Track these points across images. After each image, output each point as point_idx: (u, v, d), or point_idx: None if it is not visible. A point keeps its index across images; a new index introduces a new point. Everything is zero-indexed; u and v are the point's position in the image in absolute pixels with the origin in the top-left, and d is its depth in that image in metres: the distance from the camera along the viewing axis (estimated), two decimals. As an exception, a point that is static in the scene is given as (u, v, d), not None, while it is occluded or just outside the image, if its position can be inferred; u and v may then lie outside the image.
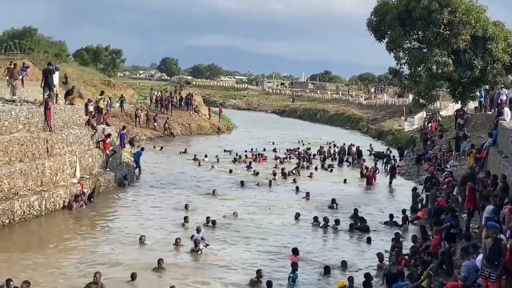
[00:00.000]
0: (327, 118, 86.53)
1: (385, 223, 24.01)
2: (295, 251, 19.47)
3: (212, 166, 37.60)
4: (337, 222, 23.44)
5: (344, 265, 18.26)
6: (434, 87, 44.43)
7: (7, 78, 29.74)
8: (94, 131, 29.14)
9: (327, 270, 17.85)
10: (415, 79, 36.23)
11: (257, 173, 34.77)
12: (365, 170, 35.99)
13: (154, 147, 44.84)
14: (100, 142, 29.28)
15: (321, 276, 17.60)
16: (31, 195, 22.18)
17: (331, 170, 39.58)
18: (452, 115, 48.40)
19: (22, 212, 21.35)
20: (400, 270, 16.25)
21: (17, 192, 21.77)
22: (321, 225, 23.47)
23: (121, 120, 48.36)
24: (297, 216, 24.67)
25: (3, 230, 20.13)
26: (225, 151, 45.78)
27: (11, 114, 23.15)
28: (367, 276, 16.13)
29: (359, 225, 23.26)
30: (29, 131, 23.96)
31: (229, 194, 29.11)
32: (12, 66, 30.43)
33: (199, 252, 18.60)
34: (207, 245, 19.12)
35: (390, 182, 34.31)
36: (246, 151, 45.41)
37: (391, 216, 24.36)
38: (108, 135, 30.03)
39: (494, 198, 17.99)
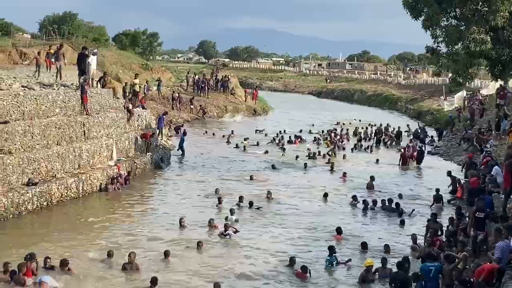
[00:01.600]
0: (365, 98, 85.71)
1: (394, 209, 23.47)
2: (338, 231, 19.58)
3: (243, 147, 37.63)
4: (374, 203, 23.28)
5: (386, 249, 18.07)
6: (472, 66, 43.18)
7: (53, 60, 29.73)
8: (130, 114, 29.36)
9: (364, 246, 18.02)
10: (452, 57, 35.31)
11: (297, 157, 34.57)
12: (402, 150, 35.51)
13: (205, 132, 44.75)
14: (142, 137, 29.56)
15: (358, 254, 17.65)
16: (69, 178, 22.57)
17: (371, 151, 39.25)
18: (493, 94, 47.36)
19: (60, 195, 21.75)
20: (436, 252, 16.06)
21: (55, 175, 22.19)
22: (358, 205, 23.41)
23: (158, 103, 48.73)
24: (325, 196, 24.60)
25: (42, 212, 20.55)
26: (256, 131, 45.81)
27: (48, 98, 23.54)
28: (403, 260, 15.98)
29: (392, 207, 23.03)
30: (66, 114, 24.33)
31: (264, 176, 29.03)
32: (58, 47, 30.37)
33: (228, 236, 18.61)
34: (236, 231, 19.07)
35: (419, 162, 33.80)
36: (280, 131, 45.33)
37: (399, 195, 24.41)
38: (152, 134, 30.38)
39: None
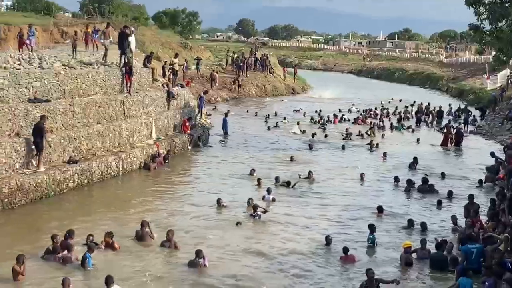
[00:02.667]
0: (406, 77, 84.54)
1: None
2: (379, 209, 19.51)
3: (280, 127, 37.42)
4: (412, 183, 23.01)
5: (423, 227, 17.88)
6: (517, 43, 42.24)
7: (102, 39, 29.86)
8: (170, 98, 29.49)
9: (410, 223, 18.02)
10: (496, 35, 34.40)
11: (326, 135, 34.25)
12: (445, 130, 34.85)
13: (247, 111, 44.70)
14: (181, 126, 29.55)
15: (400, 232, 17.55)
16: (109, 156, 22.84)
17: (413, 131, 38.73)
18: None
19: (100, 172, 22.03)
20: (476, 233, 15.82)
21: (95, 153, 22.48)
22: (400, 185, 23.19)
23: (197, 82, 48.82)
24: (362, 176, 24.34)
25: (83, 190, 20.87)
26: (294, 111, 45.62)
27: (89, 77, 23.76)
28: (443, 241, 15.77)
29: (433, 188, 22.70)
30: (106, 93, 24.55)
31: (303, 156, 28.85)
32: (105, 26, 30.16)
33: (257, 217, 18.53)
34: (266, 211, 18.91)
35: (458, 144, 33.17)
36: (317, 110, 45.11)
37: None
38: (189, 119, 30.27)
39: None
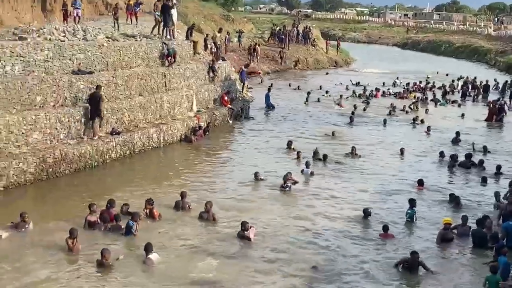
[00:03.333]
0: (452, 50, 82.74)
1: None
2: (420, 182, 19.44)
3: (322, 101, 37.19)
4: (453, 157, 22.71)
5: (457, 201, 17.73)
6: None
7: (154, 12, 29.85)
8: (214, 74, 29.62)
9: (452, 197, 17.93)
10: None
11: (391, 110, 33.94)
12: (490, 105, 34.12)
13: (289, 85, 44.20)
14: (220, 99, 29.56)
15: (440, 208, 17.46)
16: (150, 128, 23.14)
17: (459, 105, 38.07)
18: None
19: (142, 144, 22.36)
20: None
21: (137, 125, 22.80)
22: (444, 160, 22.93)
23: (238, 54, 48.80)
24: (402, 151, 24.09)
25: (125, 161, 21.25)
26: (336, 84, 45.26)
27: (131, 50, 23.99)
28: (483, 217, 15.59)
29: (476, 163, 22.37)
30: (148, 65, 24.77)
31: (344, 131, 28.64)
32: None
33: (287, 189, 18.56)
34: (296, 182, 18.94)
35: (501, 120, 32.46)
36: (357, 83, 44.68)
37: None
38: (228, 92, 30.32)
39: None
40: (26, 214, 14.29)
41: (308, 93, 38.69)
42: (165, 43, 25.90)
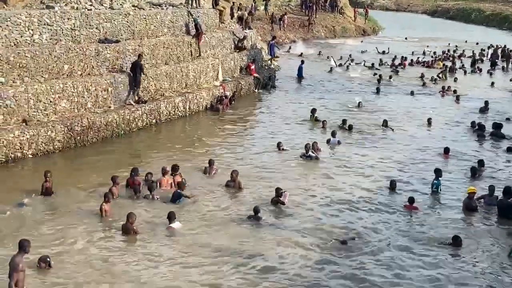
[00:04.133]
0: (483, 18, 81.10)
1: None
2: (446, 150, 19.45)
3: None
4: (481, 127, 22.50)
5: (473, 172, 17.61)
6: None
7: None
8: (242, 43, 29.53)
9: (481, 163, 18.06)
10: None
11: (390, 77, 33.45)
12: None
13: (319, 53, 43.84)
14: (246, 68, 29.44)
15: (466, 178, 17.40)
16: (176, 97, 23.23)
17: (490, 74, 37.49)
18: None
19: (168, 113, 22.49)
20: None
21: (163, 94, 22.91)
22: (475, 130, 22.79)
23: (265, 23, 48.43)
24: (429, 121, 23.85)
25: (151, 130, 21.43)
26: (378, 53, 44.77)
27: (157, 18, 23.95)
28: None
29: (497, 132, 22.18)
30: (173, 34, 24.75)
31: (374, 101, 28.33)
32: None
33: (310, 158, 18.52)
34: (318, 151, 18.98)
35: None
36: (383, 52, 44.15)
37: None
38: (253, 61, 30.10)
39: None
40: (49, 172, 14.53)
41: (339, 62, 38.29)
42: (190, 14, 25.68)
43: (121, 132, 20.10)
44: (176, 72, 23.73)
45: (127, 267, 11.34)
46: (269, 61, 34.08)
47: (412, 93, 30.23)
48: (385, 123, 23.02)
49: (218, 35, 27.95)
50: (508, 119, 24.63)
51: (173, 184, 15.44)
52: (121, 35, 21.89)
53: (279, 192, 14.72)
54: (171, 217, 13.10)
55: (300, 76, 33.90)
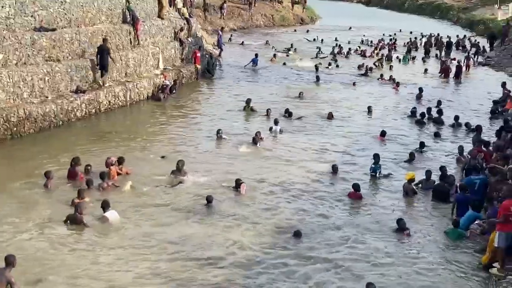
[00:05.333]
0: (416, 7, 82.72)
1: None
2: (382, 133, 20.07)
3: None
4: (422, 115, 23.11)
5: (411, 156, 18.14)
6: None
7: None
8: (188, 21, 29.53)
9: (422, 145, 18.85)
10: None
11: (329, 64, 33.93)
12: (446, 64, 34.45)
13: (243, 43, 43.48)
14: (192, 56, 29.28)
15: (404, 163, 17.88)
16: (116, 86, 22.87)
17: (424, 61, 38.42)
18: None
19: (108, 102, 22.12)
20: (480, 164, 15.91)
21: (103, 83, 22.51)
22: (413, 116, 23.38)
23: (201, 10, 47.95)
24: (369, 109, 24.21)
25: (91, 120, 21.03)
26: (308, 41, 45.10)
27: (94, 6, 23.42)
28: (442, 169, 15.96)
29: (436, 118, 22.88)
30: (112, 22, 24.30)
31: (312, 91, 28.38)
32: None
33: (258, 144, 18.75)
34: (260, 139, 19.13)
35: (457, 76, 32.72)
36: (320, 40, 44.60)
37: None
38: (199, 48, 29.88)
39: None
40: None
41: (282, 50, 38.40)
42: (128, 1, 25.14)
43: (59, 123, 19.64)
44: (115, 61, 23.29)
45: (67, 257, 11.20)
46: (219, 55, 34.03)
47: (353, 83, 30.17)
48: (330, 115, 23.02)
49: (158, 23, 27.62)
50: (439, 102, 25.32)
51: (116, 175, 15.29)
52: (58, 23, 21.30)
53: (238, 182, 14.82)
54: (105, 206, 12.87)
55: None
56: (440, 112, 23.32)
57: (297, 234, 12.54)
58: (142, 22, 25.52)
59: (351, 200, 14.93)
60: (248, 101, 23.57)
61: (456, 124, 22.11)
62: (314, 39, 46.19)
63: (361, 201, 14.85)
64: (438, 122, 22.62)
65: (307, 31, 52.77)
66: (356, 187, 15.11)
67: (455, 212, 13.95)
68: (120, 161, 15.69)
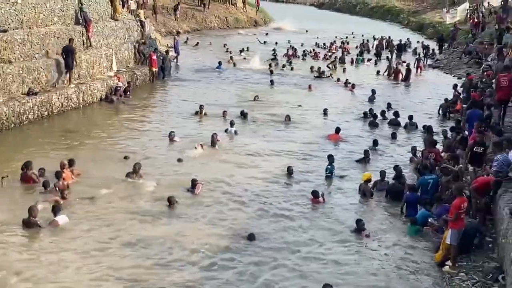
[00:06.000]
0: (367, 10, 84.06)
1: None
2: (337, 130, 20.48)
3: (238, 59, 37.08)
4: (374, 116, 23.50)
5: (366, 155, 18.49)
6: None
7: None
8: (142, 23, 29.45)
9: (375, 143, 19.39)
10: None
11: (283, 66, 34.23)
12: (395, 66, 35.07)
13: (186, 40, 43.34)
14: (147, 59, 29.07)
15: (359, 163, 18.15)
16: (69, 88, 22.55)
17: (375, 64, 38.95)
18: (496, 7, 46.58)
19: (60, 104, 21.81)
20: (432, 164, 16.30)
21: (55, 85, 22.15)
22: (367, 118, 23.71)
23: (158, 13, 47.67)
24: (325, 111, 24.35)
25: (43, 122, 20.69)
26: (260, 43, 45.23)
27: (46, 7, 23.06)
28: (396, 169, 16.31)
29: (392, 119, 23.29)
30: (64, 23, 23.96)
31: (267, 93, 28.25)
32: None
33: (216, 146, 18.81)
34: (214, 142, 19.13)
35: (406, 79, 33.29)
36: (264, 42, 44.83)
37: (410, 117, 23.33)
38: (155, 50, 29.83)
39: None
40: None
41: (231, 56, 38.33)
42: (81, 2, 24.85)
43: (11, 125, 19.26)
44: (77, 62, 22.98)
45: (20, 260, 11.05)
46: (176, 59, 33.90)
47: (309, 86, 29.97)
48: (288, 118, 23.06)
49: (111, 24, 27.35)
50: (389, 104, 25.83)
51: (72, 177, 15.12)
52: (9, 24, 20.89)
53: (194, 183, 14.91)
54: (56, 210, 12.68)
55: (176, 51, 34.38)
56: (396, 114, 23.66)
57: (251, 237, 12.57)
58: (94, 24, 25.21)
59: (306, 201, 15.07)
60: (201, 107, 23.21)
61: (409, 124, 22.53)
62: (265, 42, 46.28)
63: (319, 205, 14.92)
64: (395, 123, 23.00)
65: (266, 34, 52.77)
66: (315, 194, 15.13)
67: (405, 212, 14.31)
68: (71, 163, 15.49)
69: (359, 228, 13.23)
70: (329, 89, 30.38)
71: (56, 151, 17.51)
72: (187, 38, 44.08)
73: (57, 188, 14.21)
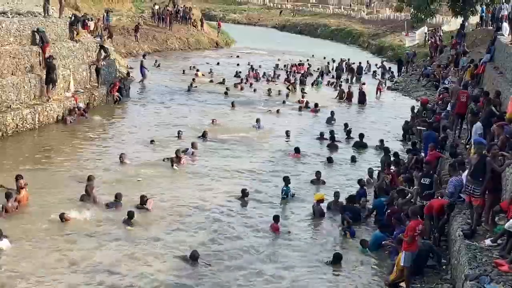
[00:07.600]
0: (328, 33, 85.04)
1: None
2: (296, 150, 21.04)
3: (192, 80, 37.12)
4: (332, 138, 23.62)
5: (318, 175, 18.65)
6: (433, 1, 43.53)
7: None
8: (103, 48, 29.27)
9: (330, 160, 20.14)
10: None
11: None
12: (346, 89, 35.40)
13: (156, 63, 42.87)
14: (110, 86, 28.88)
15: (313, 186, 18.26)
16: (24, 109, 22.21)
17: (334, 87, 38.89)
18: (454, 31, 47.71)
19: (15, 125, 21.47)
20: (390, 186, 16.42)
21: (10, 106, 21.78)
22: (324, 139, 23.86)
23: (117, 33, 47.31)
24: (287, 133, 24.38)
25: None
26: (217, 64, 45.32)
27: (2, 27, 22.71)
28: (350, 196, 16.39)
29: (357, 142, 23.49)
30: (20, 44, 23.62)
31: (227, 117, 28.00)
32: None
33: (175, 166, 18.92)
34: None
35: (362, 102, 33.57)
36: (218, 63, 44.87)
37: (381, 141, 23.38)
38: (120, 80, 29.77)
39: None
40: None
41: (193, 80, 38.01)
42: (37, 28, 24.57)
43: (-37, 147, 18.86)
44: (23, 83, 22.63)
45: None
46: (141, 81, 33.83)
47: (277, 111, 29.44)
48: (251, 139, 23.23)
49: (69, 45, 27.05)
50: (346, 124, 26.02)
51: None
52: (-38, 44, 20.54)
53: (143, 199, 15.00)
54: None
55: (142, 74, 34.70)
56: (361, 135, 23.69)
57: (193, 257, 12.58)
58: (52, 44, 24.91)
59: (258, 222, 15.18)
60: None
61: (379, 147, 22.50)
62: (218, 63, 46.17)
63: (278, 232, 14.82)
64: (361, 145, 23.19)
65: (237, 56, 52.46)
66: (276, 218, 14.98)
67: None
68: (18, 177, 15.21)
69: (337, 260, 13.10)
70: (291, 111, 30.36)
71: (7, 172, 17.08)
72: (156, 61, 43.17)
73: (4, 210, 13.89)
